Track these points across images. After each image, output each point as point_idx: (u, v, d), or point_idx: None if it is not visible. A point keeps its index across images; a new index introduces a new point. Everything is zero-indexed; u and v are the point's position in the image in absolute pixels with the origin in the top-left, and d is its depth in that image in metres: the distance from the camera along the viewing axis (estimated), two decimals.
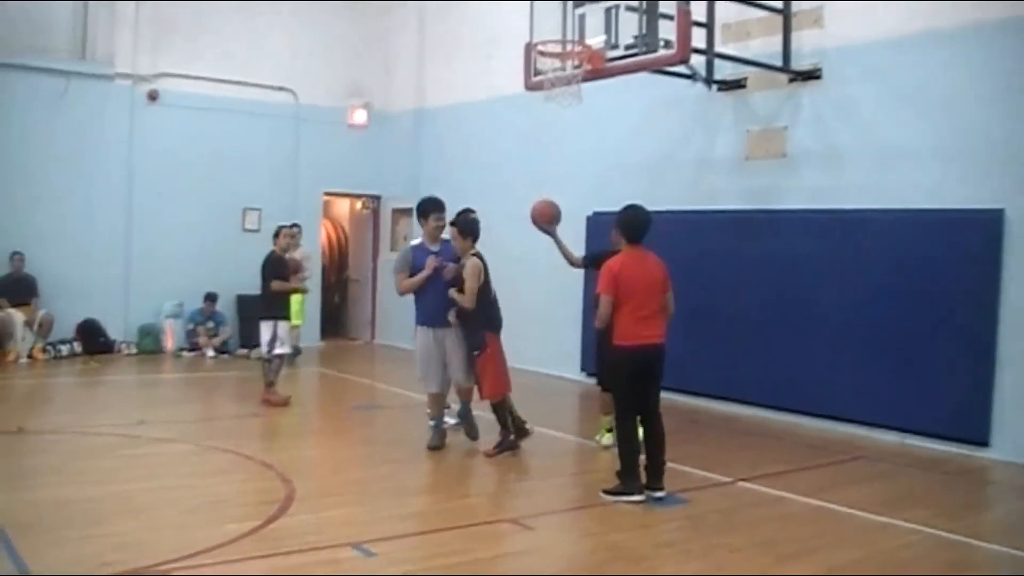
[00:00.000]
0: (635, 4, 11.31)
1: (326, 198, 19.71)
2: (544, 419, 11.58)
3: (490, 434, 9.93)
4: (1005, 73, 10.34)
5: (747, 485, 8.80)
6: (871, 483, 9.19)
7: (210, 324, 17.21)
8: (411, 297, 9.96)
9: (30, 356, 15.51)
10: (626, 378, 8.12)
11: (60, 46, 16.92)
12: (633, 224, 8.25)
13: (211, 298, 17.20)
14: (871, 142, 11.46)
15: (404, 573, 6.27)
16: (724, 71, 12.64)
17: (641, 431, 8.24)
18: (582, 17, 11.84)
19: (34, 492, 7.97)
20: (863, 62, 11.55)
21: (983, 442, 10.23)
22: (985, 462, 10.08)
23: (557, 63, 11.96)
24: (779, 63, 12.15)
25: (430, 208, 9.99)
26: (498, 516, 7.58)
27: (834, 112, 11.89)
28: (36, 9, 16.40)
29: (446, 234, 9.95)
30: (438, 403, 9.94)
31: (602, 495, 8.08)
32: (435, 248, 9.83)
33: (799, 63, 12.11)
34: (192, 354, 16.94)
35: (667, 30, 11.18)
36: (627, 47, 11.62)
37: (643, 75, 12.12)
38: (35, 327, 15.68)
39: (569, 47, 11.82)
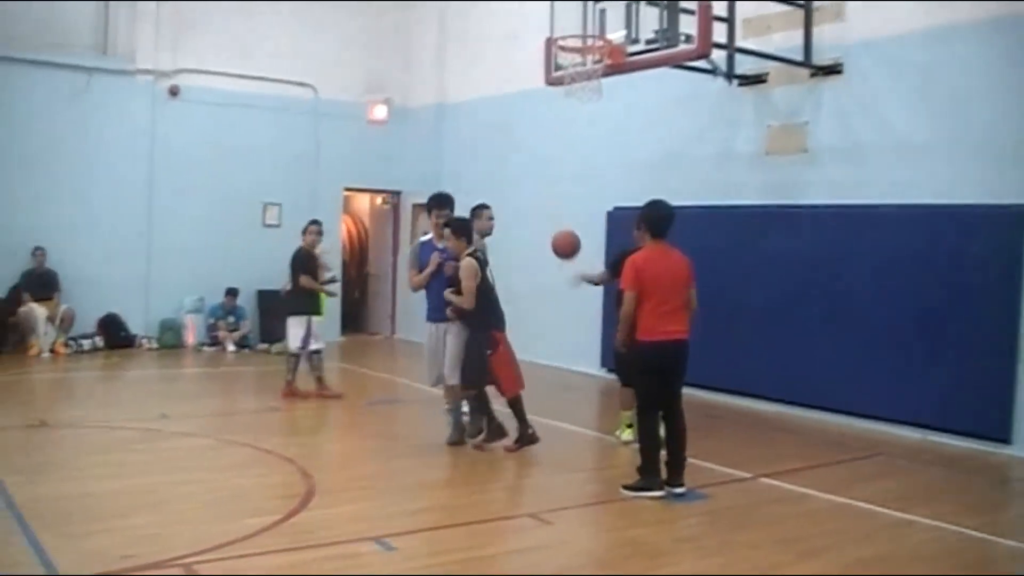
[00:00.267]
0: None
1: (346, 193, 19.72)
2: (563, 414, 11.63)
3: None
4: None
5: (767, 481, 8.77)
6: (892, 479, 9.15)
7: (230, 319, 17.26)
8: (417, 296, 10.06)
9: (52, 350, 15.58)
10: (649, 373, 8.10)
11: (82, 42, 16.99)
12: (657, 218, 8.22)
13: (231, 293, 17.25)
14: (892, 137, 11.41)
15: (424, 567, 6.28)
16: (745, 66, 12.61)
17: (662, 427, 8.23)
18: (602, 12, 11.84)
19: (56, 485, 8.02)
20: (885, 57, 11.50)
21: (1005, 439, 10.17)
22: (1007, 459, 10.02)
23: (577, 58, 11.96)
24: (800, 58, 12.11)
25: (431, 204, 10.19)
26: (517, 511, 7.60)
27: (855, 107, 11.84)
28: (59, 6, 16.48)
29: None
30: (453, 394, 9.91)
31: (622, 491, 8.07)
32: (441, 245, 9.82)
33: (820, 58, 12.07)
34: (213, 349, 17.00)
35: (688, 25, 11.18)
36: (648, 42, 11.63)
37: (663, 70, 12.09)
38: (57, 322, 15.75)
39: (589, 42, 11.82)
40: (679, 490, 8.05)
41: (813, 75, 12.16)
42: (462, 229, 9.54)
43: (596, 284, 10.42)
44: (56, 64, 16.22)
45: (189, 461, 9.10)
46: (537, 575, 6.20)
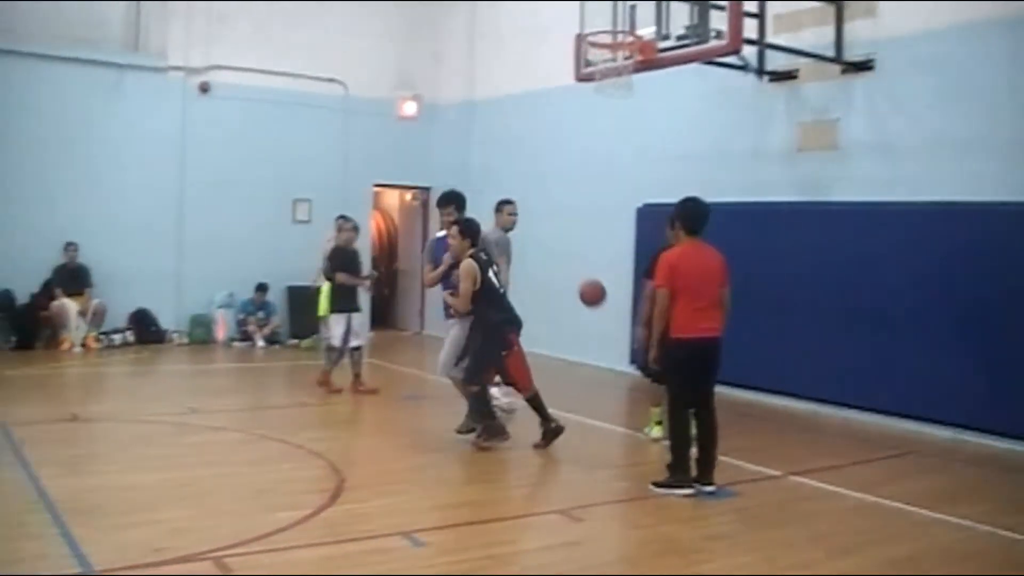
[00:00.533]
0: None
1: (376, 189, 19.76)
2: (592, 411, 11.64)
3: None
4: None
5: (798, 479, 8.73)
6: (924, 478, 9.10)
7: (260, 314, 17.33)
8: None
9: (84, 345, 15.69)
10: (681, 370, 8.06)
11: (114, 39, 17.11)
12: (693, 215, 8.18)
13: (261, 288, 17.32)
14: (925, 134, 11.33)
15: (454, 562, 6.29)
16: (776, 62, 12.55)
17: (694, 424, 8.21)
18: (632, 8, 11.78)
19: (88, 478, 8.10)
20: (917, 53, 11.41)
21: None
22: None
23: (607, 54, 11.93)
24: (831, 54, 12.05)
25: (439, 202, 10.29)
26: (547, 507, 7.58)
27: (887, 103, 11.77)
28: (91, 4, 16.58)
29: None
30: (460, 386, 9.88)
31: (651, 488, 8.05)
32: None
33: (851, 54, 12.00)
34: (243, 344, 17.07)
35: (719, 20, 11.14)
36: (678, 38, 11.59)
37: (694, 66, 12.05)
38: (88, 316, 15.85)
39: (620, 38, 11.78)
40: (709, 488, 8.02)
41: (844, 71, 12.09)
42: (468, 230, 9.49)
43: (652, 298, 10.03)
44: (88, 61, 16.32)
45: (220, 455, 9.15)
46: (569, 572, 6.19)
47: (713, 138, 13.71)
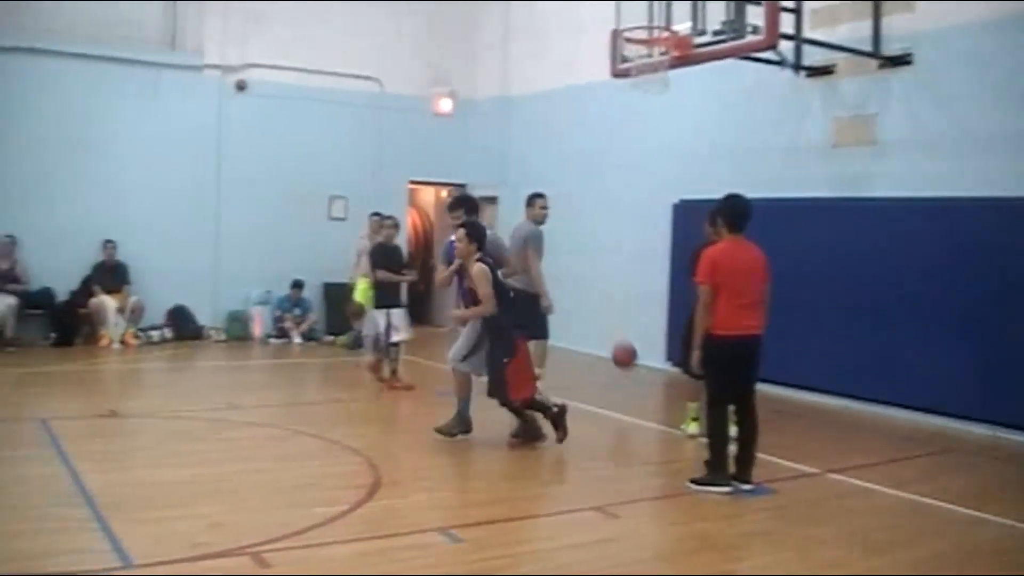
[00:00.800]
0: None
1: (411, 187, 19.79)
2: (628, 408, 11.63)
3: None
4: None
5: (835, 476, 8.69)
6: (961, 476, 9.04)
7: (297, 311, 17.40)
8: None
9: (122, 341, 15.78)
10: (722, 368, 8.01)
11: (151, 38, 17.20)
12: (735, 212, 8.12)
13: (298, 285, 17.39)
14: (964, 129, 11.24)
15: (491, 558, 6.30)
16: (813, 57, 12.49)
17: (732, 422, 8.19)
18: (668, 3, 11.78)
19: (127, 473, 8.17)
20: (955, 47, 11.33)
21: None
22: None
23: (643, 50, 11.94)
24: (869, 48, 11.97)
25: (448, 206, 10.29)
26: (584, 504, 7.55)
27: (925, 98, 11.68)
28: (128, 3, 16.68)
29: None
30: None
31: (689, 485, 8.02)
32: None
33: (889, 48, 11.92)
34: (279, 340, 17.14)
35: (755, 15, 11.11)
36: (714, 33, 11.58)
37: (730, 61, 12.04)
38: (127, 313, 15.95)
39: (656, 34, 11.78)
40: (747, 486, 8.00)
41: (882, 66, 12.02)
42: (475, 233, 9.35)
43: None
44: (125, 60, 16.42)
45: (258, 450, 9.19)
46: (604, 569, 6.18)
47: (749, 134, 13.66)
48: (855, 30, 12.12)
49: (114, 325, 15.77)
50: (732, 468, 8.04)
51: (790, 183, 12.88)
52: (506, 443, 9.46)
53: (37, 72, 15.73)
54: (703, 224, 9.54)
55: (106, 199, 16.22)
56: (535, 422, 9.57)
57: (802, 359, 12.25)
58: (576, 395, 12.05)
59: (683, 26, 11.70)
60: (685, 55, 11.60)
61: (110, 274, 16.05)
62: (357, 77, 18.29)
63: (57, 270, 15.80)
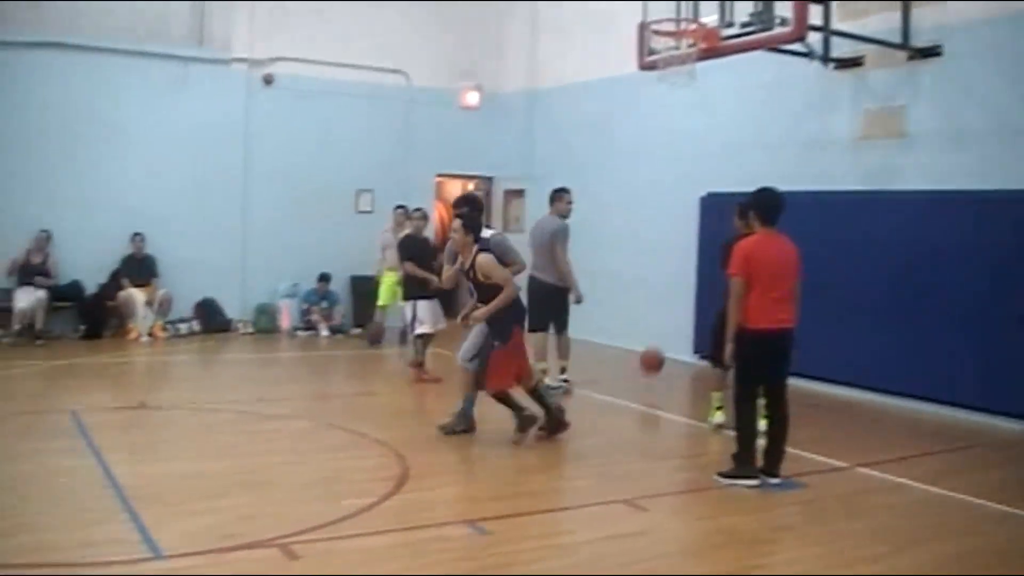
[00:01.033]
0: None
1: (438, 180, 19.80)
2: (656, 401, 11.61)
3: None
4: None
5: (865, 471, 8.65)
6: (992, 471, 8.98)
7: (324, 304, 17.44)
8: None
9: (150, 334, 15.86)
10: (754, 361, 7.96)
11: (179, 32, 17.27)
12: (768, 205, 8.07)
13: (325, 278, 17.43)
14: (994, 121, 11.15)
15: (518, 551, 6.31)
16: (841, 49, 12.41)
17: (763, 416, 8.16)
18: None
19: (156, 465, 8.20)
20: (985, 38, 11.23)
21: None
22: None
23: (671, 42, 11.89)
24: (898, 40, 11.89)
25: (455, 204, 9.97)
26: (611, 497, 7.54)
27: (955, 90, 11.59)
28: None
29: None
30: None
31: (717, 478, 8.01)
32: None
33: (918, 40, 11.84)
34: (307, 333, 17.19)
35: (783, 7, 11.05)
36: (742, 25, 11.53)
37: (758, 54, 11.97)
38: (155, 306, 16.03)
39: (683, 26, 11.73)
40: (775, 480, 7.97)
41: (911, 58, 11.93)
42: (471, 223, 9.13)
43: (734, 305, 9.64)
44: (153, 54, 16.50)
45: (285, 443, 9.22)
46: (633, 562, 6.18)
47: (777, 126, 13.59)
48: (884, 21, 12.03)
49: (142, 318, 15.84)
50: (761, 462, 8.01)
51: (818, 176, 12.80)
52: (535, 436, 9.44)
53: (65, 67, 15.82)
54: (732, 218, 9.52)
55: (134, 193, 16.31)
56: (557, 412, 9.54)
57: (831, 353, 12.17)
58: (603, 388, 12.13)
59: (711, 18, 11.67)
60: (713, 47, 11.55)
61: (138, 267, 16.13)
62: (384, 70, 18.30)
63: (86, 263, 15.92)
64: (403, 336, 12.58)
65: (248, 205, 17.38)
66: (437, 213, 20.41)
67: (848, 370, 12.33)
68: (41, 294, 14.90)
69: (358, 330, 17.28)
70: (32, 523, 6.47)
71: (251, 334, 17.00)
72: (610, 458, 9.01)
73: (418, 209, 13.35)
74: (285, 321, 17.42)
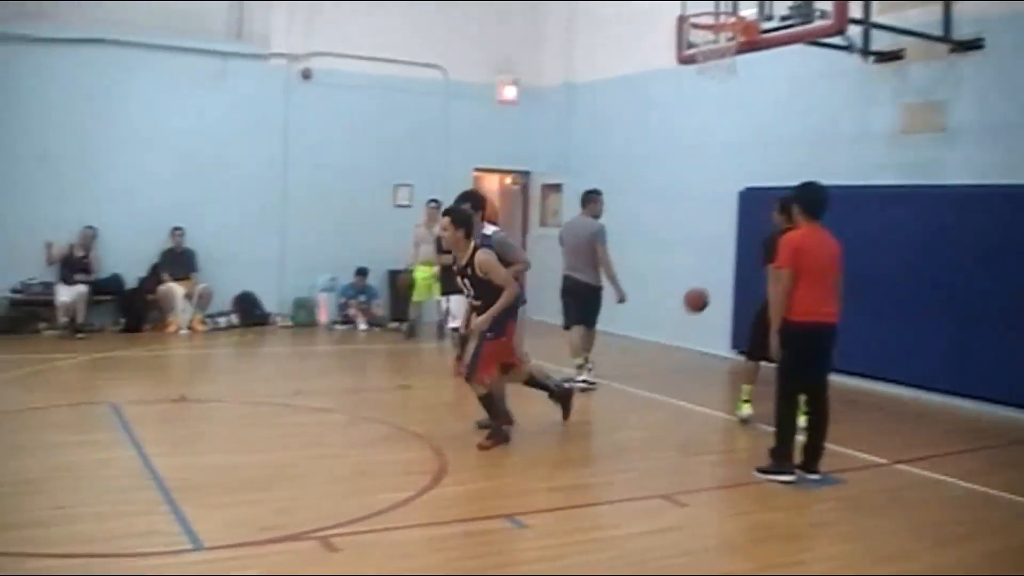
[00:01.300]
0: None
1: (476, 174, 19.80)
2: (693, 396, 11.58)
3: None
4: None
5: (904, 467, 8.60)
6: None
7: (362, 298, 17.50)
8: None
9: (190, 327, 15.98)
10: (798, 355, 7.90)
11: (218, 28, 17.37)
12: (814, 199, 8.02)
13: (362, 273, 17.49)
14: None
15: (557, 545, 6.32)
16: (881, 42, 12.31)
17: (803, 411, 8.12)
18: None
19: (196, 457, 8.26)
20: None
21: None
22: None
23: (710, 35, 11.84)
24: (939, 33, 11.77)
25: (456, 200, 9.65)
26: (649, 492, 7.53)
27: (997, 84, 11.48)
28: None
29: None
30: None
31: (754, 474, 7.99)
32: (489, 231, 9.62)
33: (960, 33, 11.71)
34: (344, 327, 17.26)
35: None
36: (782, 18, 11.45)
37: (798, 47, 11.89)
38: (194, 300, 16.14)
39: (722, 19, 11.68)
40: (814, 476, 7.93)
41: (952, 51, 11.81)
42: (460, 219, 8.76)
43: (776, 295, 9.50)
44: (192, 50, 16.60)
45: (324, 436, 9.27)
46: (672, 557, 6.17)
47: (816, 120, 13.50)
48: (925, 14, 11.91)
49: (182, 311, 15.96)
50: (799, 458, 7.98)
51: (858, 170, 12.71)
52: (560, 430, 9.45)
53: (107, 63, 15.95)
54: (772, 212, 9.49)
55: (174, 186, 16.44)
56: (558, 389, 9.59)
57: (871, 348, 12.10)
58: (641, 383, 12.12)
59: (750, 11, 11.60)
60: (752, 41, 11.50)
61: (178, 261, 16.25)
62: (422, 65, 18.31)
63: (126, 257, 16.06)
64: (440, 330, 12.58)
65: (286, 200, 17.45)
66: None
67: (887, 366, 12.25)
68: (83, 288, 15.04)
69: (396, 324, 17.32)
70: (74, 514, 6.54)
71: (289, 328, 17.09)
72: (647, 453, 9.01)
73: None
74: (323, 315, 17.50)
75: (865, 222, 12.15)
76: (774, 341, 7.94)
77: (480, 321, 8.74)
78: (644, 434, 9.69)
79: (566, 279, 12.15)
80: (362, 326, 17.19)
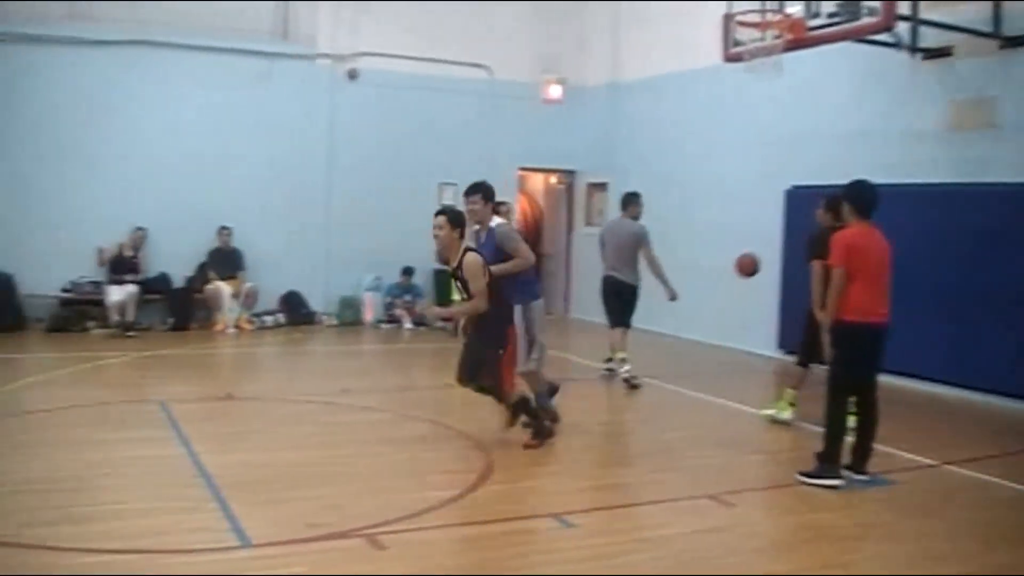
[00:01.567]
0: None
1: (521, 173, 19.81)
2: (739, 395, 11.52)
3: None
4: None
5: (953, 468, 8.51)
6: None
7: (407, 297, 17.55)
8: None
9: (237, 326, 16.11)
10: (851, 356, 7.81)
11: (264, 28, 17.48)
12: (865, 198, 7.92)
13: (408, 272, 17.55)
14: None
15: (604, 544, 6.32)
16: (930, 39, 12.20)
17: (851, 412, 8.04)
18: None
19: (244, 455, 8.30)
20: None
21: None
22: None
23: (756, 33, 11.79)
24: (988, 29, 11.64)
25: (466, 191, 9.49)
26: (696, 492, 7.50)
27: None
28: None
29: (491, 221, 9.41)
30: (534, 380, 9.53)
31: (798, 477, 7.87)
32: (495, 223, 9.36)
33: (1010, 28, 11.58)
34: (390, 326, 17.31)
35: None
36: (829, 15, 11.36)
37: (845, 44, 11.81)
38: (241, 298, 16.26)
39: (769, 16, 11.62)
40: (862, 477, 7.87)
41: (1002, 47, 11.67)
42: (456, 219, 8.66)
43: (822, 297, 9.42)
44: (239, 50, 16.73)
45: (370, 434, 9.29)
46: (720, 557, 6.16)
47: (864, 118, 13.38)
48: (974, 10, 11.77)
49: (229, 310, 16.08)
50: (847, 458, 7.91)
51: (906, 168, 12.57)
52: (607, 429, 9.43)
53: (152, 65, 16.15)
54: (816, 210, 9.43)
55: (221, 186, 16.58)
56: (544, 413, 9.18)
57: (919, 348, 11.96)
58: (687, 383, 12.09)
59: (796, 8, 11.53)
60: (799, 38, 11.43)
61: (225, 260, 16.38)
62: (467, 64, 18.35)
63: (174, 256, 16.23)
64: None
65: (332, 199, 17.54)
66: (520, 206, 20.42)
67: (935, 366, 12.13)
68: (133, 287, 15.18)
69: (441, 324, 17.34)
70: (124, 510, 6.61)
71: (335, 327, 17.17)
72: (694, 452, 8.97)
73: (503, 203, 13.32)
74: (369, 314, 17.56)
75: (912, 220, 12.02)
76: (825, 340, 7.86)
77: (437, 311, 9.66)
78: (690, 433, 9.65)
79: (608, 280, 12.25)
80: (407, 325, 17.24)
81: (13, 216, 15.32)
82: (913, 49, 12.18)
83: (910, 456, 8.79)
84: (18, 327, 15.07)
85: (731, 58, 12.36)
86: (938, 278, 11.96)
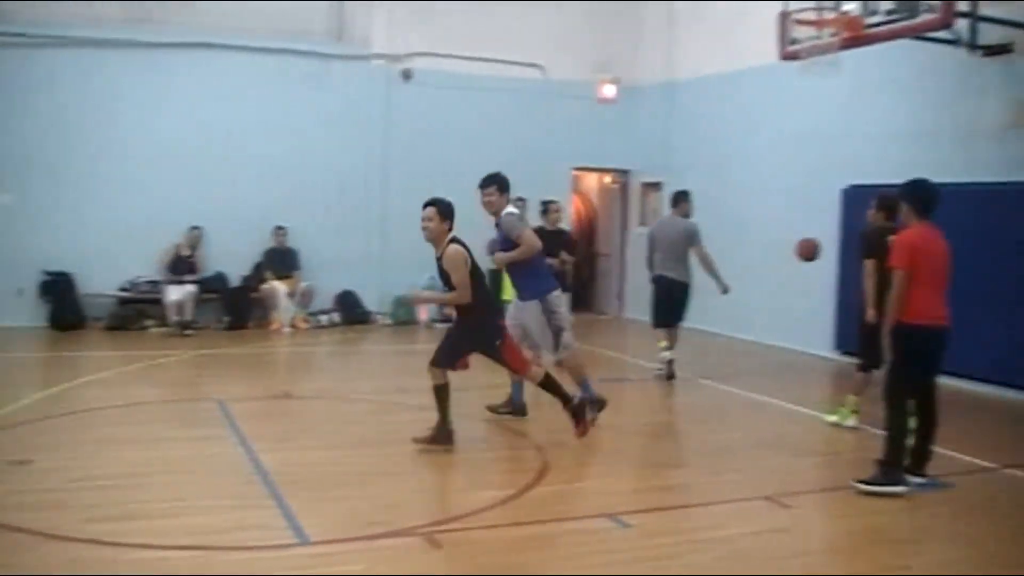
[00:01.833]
0: None
1: (575, 173, 19.80)
2: (795, 396, 11.45)
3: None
4: None
5: (1014, 472, 8.40)
6: None
7: None
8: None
9: (293, 325, 16.23)
10: (913, 358, 7.65)
11: (319, 30, 17.62)
12: (926, 197, 7.79)
13: None
14: None
15: (661, 544, 6.31)
16: (989, 35, 12.02)
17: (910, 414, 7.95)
18: None
19: (301, 453, 8.37)
20: None
21: None
22: None
23: (813, 31, 11.71)
24: None
25: (481, 183, 9.79)
26: (753, 493, 7.46)
27: None
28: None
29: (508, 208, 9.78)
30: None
31: (858, 486, 7.62)
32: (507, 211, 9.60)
33: None
34: (444, 325, 17.32)
35: None
36: (887, 13, 11.26)
37: (903, 42, 11.69)
38: (297, 298, 16.39)
39: (825, 14, 11.54)
40: (921, 480, 7.76)
41: None
42: (446, 210, 8.85)
43: (873, 295, 9.35)
44: (294, 51, 16.87)
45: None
46: (778, 558, 6.13)
47: (923, 117, 13.23)
48: None
49: (285, 310, 16.21)
50: (906, 461, 7.81)
51: (966, 167, 12.41)
52: (662, 430, 9.40)
53: (211, 65, 16.33)
54: (868, 210, 9.36)
55: (277, 186, 16.71)
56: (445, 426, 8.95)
57: (978, 350, 11.81)
58: (741, 383, 12.04)
59: (854, 6, 11.44)
60: (856, 36, 11.34)
61: (281, 260, 16.51)
62: (521, 64, 18.35)
63: (230, 255, 16.39)
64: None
65: (387, 199, 17.59)
66: (574, 206, 20.41)
67: (995, 367, 11.96)
68: (191, 287, 15.35)
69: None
70: (184, 507, 6.70)
71: (389, 326, 17.25)
72: (750, 454, 8.92)
73: (553, 201, 13.35)
74: (423, 313, 17.61)
75: (972, 219, 11.87)
76: (885, 342, 7.74)
77: (418, 295, 10.29)
78: (746, 434, 9.60)
79: (660, 279, 12.26)
80: None
81: (72, 217, 15.53)
82: (972, 46, 12.03)
83: (969, 459, 8.68)
84: (78, 326, 15.34)
85: (788, 56, 12.29)
86: (998, 279, 11.81)
